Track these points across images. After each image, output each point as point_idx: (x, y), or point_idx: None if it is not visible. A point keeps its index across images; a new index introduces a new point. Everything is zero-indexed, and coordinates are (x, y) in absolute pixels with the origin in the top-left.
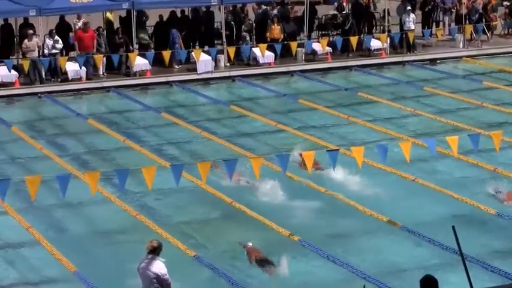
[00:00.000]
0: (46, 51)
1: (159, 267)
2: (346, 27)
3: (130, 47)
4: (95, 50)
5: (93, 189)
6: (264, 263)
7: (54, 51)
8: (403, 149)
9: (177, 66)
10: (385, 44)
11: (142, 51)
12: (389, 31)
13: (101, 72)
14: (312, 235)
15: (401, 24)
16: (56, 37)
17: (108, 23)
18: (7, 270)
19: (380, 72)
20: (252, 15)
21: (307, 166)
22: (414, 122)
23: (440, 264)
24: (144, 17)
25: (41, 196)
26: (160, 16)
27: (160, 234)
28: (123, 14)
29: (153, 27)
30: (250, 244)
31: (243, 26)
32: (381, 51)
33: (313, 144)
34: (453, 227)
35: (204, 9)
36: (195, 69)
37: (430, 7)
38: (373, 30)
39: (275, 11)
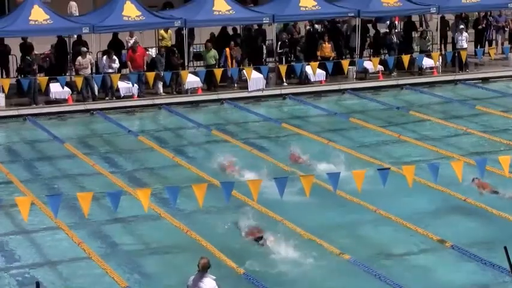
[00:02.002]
0: (101, 70)
1: (211, 284)
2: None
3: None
4: (145, 67)
5: (146, 206)
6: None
7: (110, 70)
8: (454, 168)
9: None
10: (438, 62)
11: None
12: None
13: (161, 90)
14: (361, 253)
15: (454, 43)
16: (114, 57)
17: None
18: (59, 285)
19: (432, 90)
20: (302, 33)
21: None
22: (466, 141)
23: (492, 284)
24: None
25: (93, 212)
26: (212, 34)
27: (211, 251)
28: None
29: (203, 45)
30: None
31: (297, 47)
32: (433, 70)
33: (364, 163)
34: (505, 248)
35: (256, 27)
36: (246, 87)
37: (483, 25)
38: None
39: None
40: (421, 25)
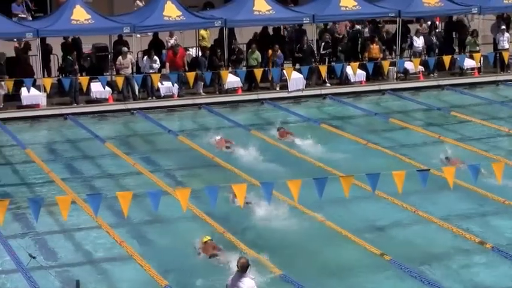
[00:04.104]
0: (142, 70)
1: (249, 284)
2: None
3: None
4: (186, 67)
5: (184, 206)
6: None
7: (151, 71)
8: (495, 169)
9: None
10: (479, 63)
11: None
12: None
13: (201, 91)
14: (403, 255)
15: (495, 44)
16: (155, 57)
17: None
18: (100, 284)
19: (473, 91)
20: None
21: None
22: (507, 142)
23: None
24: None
25: (133, 211)
26: (255, 34)
27: (247, 252)
28: (215, 31)
29: (245, 45)
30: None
31: (338, 47)
32: (474, 71)
33: (402, 164)
34: None
35: (296, 26)
36: (286, 87)
37: None
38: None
39: (367, 30)
40: (461, 26)
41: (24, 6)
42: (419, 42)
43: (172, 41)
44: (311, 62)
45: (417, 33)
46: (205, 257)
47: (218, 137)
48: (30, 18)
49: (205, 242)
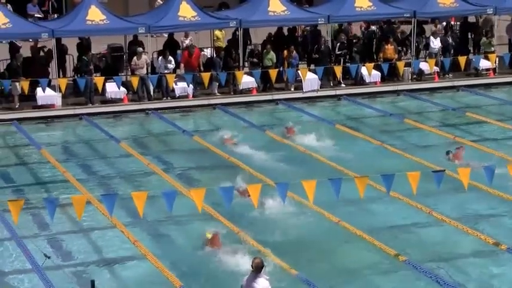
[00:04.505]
0: (157, 70)
1: (264, 284)
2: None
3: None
4: (201, 67)
5: (199, 206)
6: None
7: (166, 71)
8: (510, 171)
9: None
10: (495, 64)
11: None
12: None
13: (216, 91)
14: (416, 255)
15: (511, 44)
16: (170, 58)
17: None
18: (114, 283)
19: (488, 92)
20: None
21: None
22: None
23: None
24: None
25: (147, 211)
26: (269, 34)
27: (261, 252)
28: (230, 31)
29: (260, 45)
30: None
31: (354, 48)
32: (489, 71)
33: (417, 165)
34: None
35: (311, 27)
36: (301, 88)
37: None
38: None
39: (381, 30)
40: (477, 26)
41: (38, 8)
42: (436, 43)
43: (187, 42)
44: (328, 63)
45: (434, 34)
46: (216, 254)
47: (226, 136)
48: (55, 16)
49: (210, 237)
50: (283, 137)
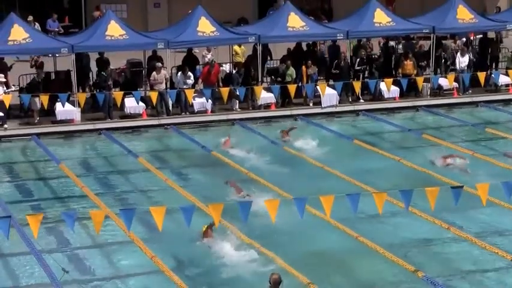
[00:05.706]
0: (176, 85)
1: None
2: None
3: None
4: (221, 83)
5: (217, 221)
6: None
7: (185, 86)
8: None
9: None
10: None
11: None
12: None
13: (237, 106)
14: (436, 271)
15: None
16: (189, 73)
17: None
18: None
19: (508, 108)
20: (375, 49)
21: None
22: None
23: None
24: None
25: (165, 226)
26: (289, 50)
27: (281, 266)
28: (249, 46)
29: (279, 61)
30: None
31: (373, 64)
32: (509, 87)
33: (436, 180)
34: None
35: (330, 42)
36: (320, 103)
37: None
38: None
39: (400, 46)
40: (495, 42)
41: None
42: (462, 60)
43: (209, 56)
44: (348, 78)
45: (462, 52)
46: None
47: (224, 139)
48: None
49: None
50: (309, 156)
